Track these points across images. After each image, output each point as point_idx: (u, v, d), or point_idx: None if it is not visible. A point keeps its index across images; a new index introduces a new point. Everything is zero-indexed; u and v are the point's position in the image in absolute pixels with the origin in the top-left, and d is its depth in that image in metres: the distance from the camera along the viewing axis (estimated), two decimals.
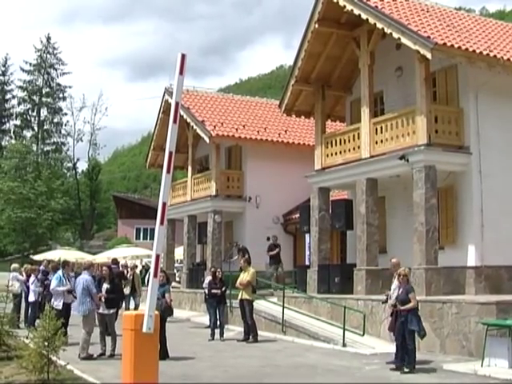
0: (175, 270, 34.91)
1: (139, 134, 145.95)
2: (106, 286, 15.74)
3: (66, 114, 75.02)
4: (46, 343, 11.14)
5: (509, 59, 18.04)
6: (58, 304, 16.97)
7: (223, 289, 19.48)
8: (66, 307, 16.97)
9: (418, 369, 13.07)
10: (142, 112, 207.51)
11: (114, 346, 15.13)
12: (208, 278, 21.39)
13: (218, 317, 19.32)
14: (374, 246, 19.81)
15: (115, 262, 23.34)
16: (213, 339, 18.85)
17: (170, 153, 7.95)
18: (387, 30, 18.65)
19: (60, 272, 17.54)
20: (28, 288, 21.34)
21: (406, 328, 13.25)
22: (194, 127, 30.00)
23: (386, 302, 14.41)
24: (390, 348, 14.64)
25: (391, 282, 14.63)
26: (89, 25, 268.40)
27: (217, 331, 19.09)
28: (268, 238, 28.13)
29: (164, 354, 14.39)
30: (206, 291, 20.55)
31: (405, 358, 13.29)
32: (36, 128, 74.80)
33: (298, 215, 27.28)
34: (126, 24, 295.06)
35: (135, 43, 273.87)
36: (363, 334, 17.49)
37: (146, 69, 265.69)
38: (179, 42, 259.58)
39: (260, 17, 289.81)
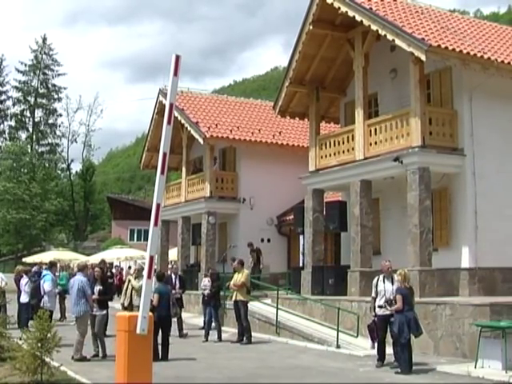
0: (169, 272, 34.84)
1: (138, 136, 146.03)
2: (98, 287, 15.73)
3: (60, 115, 75.02)
4: (40, 344, 11.11)
5: (503, 61, 18.10)
6: (51, 305, 16.98)
7: (214, 289, 19.43)
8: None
9: (411, 370, 13.08)
10: (143, 113, 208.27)
11: (104, 347, 15.16)
12: (206, 280, 21.52)
13: (211, 318, 19.29)
14: (367, 247, 19.82)
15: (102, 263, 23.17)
16: (206, 340, 18.82)
17: (164, 154, 7.95)
18: (382, 32, 18.68)
19: (50, 273, 17.60)
20: (20, 289, 21.25)
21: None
22: (188, 128, 30.00)
23: (381, 306, 14.26)
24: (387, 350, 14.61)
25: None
26: (92, 26, 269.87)
27: (211, 332, 19.08)
28: (262, 240, 28.25)
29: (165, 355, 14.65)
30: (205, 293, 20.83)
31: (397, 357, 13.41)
32: (31, 129, 74.66)
33: (292, 217, 27.31)
34: (129, 25, 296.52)
35: (138, 44, 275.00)
36: (357, 336, 17.49)
37: (149, 70, 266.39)
38: (182, 44, 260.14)
39: (263, 19, 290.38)
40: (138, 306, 15.97)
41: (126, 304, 17.02)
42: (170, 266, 27.36)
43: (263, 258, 27.18)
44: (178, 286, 20.74)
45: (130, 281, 17.38)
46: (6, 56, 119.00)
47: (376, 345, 14.42)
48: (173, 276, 21.10)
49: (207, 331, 19.06)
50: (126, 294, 17.31)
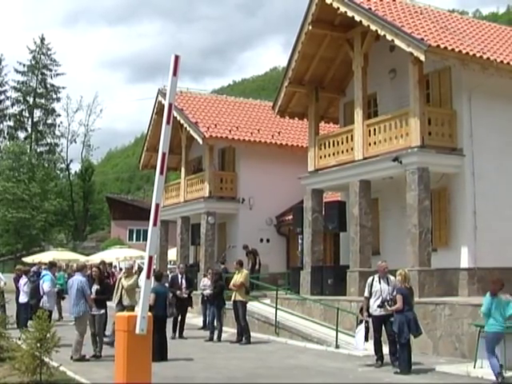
0: (168, 272, 34.86)
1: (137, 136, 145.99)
2: (96, 287, 15.72)
3: (59, 115, 75.02)
4: (39, 344, 11.10)
5: (502, 61, 18.11)
6: (50, 305, 16.96)
7: (216, 289, 19.43)
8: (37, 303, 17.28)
9: (410, 370, 13.08)
10: (142, 113, 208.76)
11: (101, 347, 15.19)
12: (205, 279, 21.55)
13: (212, 317, 19.28)
14: (367, 247, 19.82)
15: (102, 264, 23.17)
16: (210, 340, 18.79)
17: (164, 154, 7.93)
18: (381, 32, 18.69)
19: (49, 273, 17.62)
20: (19, 289, 21.23)
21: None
22: (188, 128, 30.00)
23: (380, 306, 14.19)
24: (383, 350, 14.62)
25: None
26: (92, 26, 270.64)
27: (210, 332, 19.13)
28: (261, 240, 28.23)
29: (163, 355, 14.63)
30: (204, 293, 20.86)
31: (397, 354, 13.48)
32: (29, 129, 74.68)
33: (291, 217, 27.31)
34: (129, 25, 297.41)
35: (138, 44, 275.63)
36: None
37: (149, 70, 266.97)
38: (182, 44, 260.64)
39: (263, 19, 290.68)
40: (128, 306, 16.08)
41: (115, 303, 16.90)
42: (176, 265, 27.39)
43: (260, 258, 27.19)
44: (184, 286, 20.60)
45: (120, 280, 17.30)
46: (6, 56, 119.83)
47: (365, 344, 14.44)
48: (179, 276, 20.93)
49: (212, 331, 19.02)
50: (116, 293, 17.26)
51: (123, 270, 21.02)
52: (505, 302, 12.13)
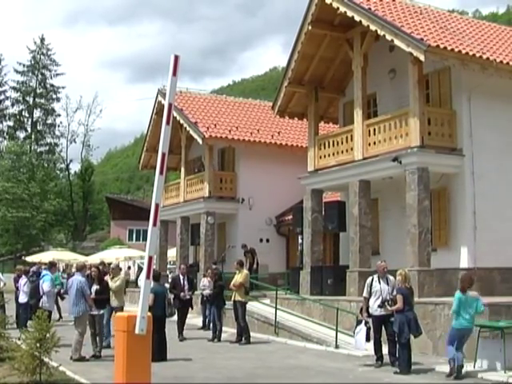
0: (168, 272, 34.87)
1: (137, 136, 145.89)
2: (95, 286, 15.71)
3: (59, 115, 75.03)
4: (38, 344, 11.10)
5: (502, 61, 18.11)
6: (50, 305, 16.94)
7: (216, 289, 19.43)
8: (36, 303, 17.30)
9: (410, 370, 13.08)
10: (142, 113, 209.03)
11: (101, 346, 15.19)
12: (205, 280, 21.52)
13: (213, 317, 19.27)
14: (366, 247, 19.82)
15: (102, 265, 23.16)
16: (212, 340, 18.79)
17: (163, 154, 7.93)
18: (380, 32, 18.69)
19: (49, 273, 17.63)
20: (19, 289, 21.23)
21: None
22: (187, 128, 30.02)
23: (381, 306, 14.18)
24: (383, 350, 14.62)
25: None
26: (92, 26, 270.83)
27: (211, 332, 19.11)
28: (261, 240, 28.18)
29: (163, 355, 14.61)
30: (204, 293, 20.83)
31: (396, 354, 13.52)
32: (29, 129, 74.69)
33: (290, 217, 27.31)
34: (129, 25, 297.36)
35: (138, 44, 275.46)
36: None
37: (149, 70, 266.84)
38: (182, 44, 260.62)
39: (263, 19, 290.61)
40: (117, 308, 16.03)
41: None
42: (176, 265, 27.30)
43: (258, 258, 27.18)
44: (186, 287, 20.39)
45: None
46: (6, 56, 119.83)
47: (366, 344, 14.42)
48: (181, 277, 20.77)
49: (214, 331, 19.02)
50: None
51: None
52: (472, 300, 12.78)
